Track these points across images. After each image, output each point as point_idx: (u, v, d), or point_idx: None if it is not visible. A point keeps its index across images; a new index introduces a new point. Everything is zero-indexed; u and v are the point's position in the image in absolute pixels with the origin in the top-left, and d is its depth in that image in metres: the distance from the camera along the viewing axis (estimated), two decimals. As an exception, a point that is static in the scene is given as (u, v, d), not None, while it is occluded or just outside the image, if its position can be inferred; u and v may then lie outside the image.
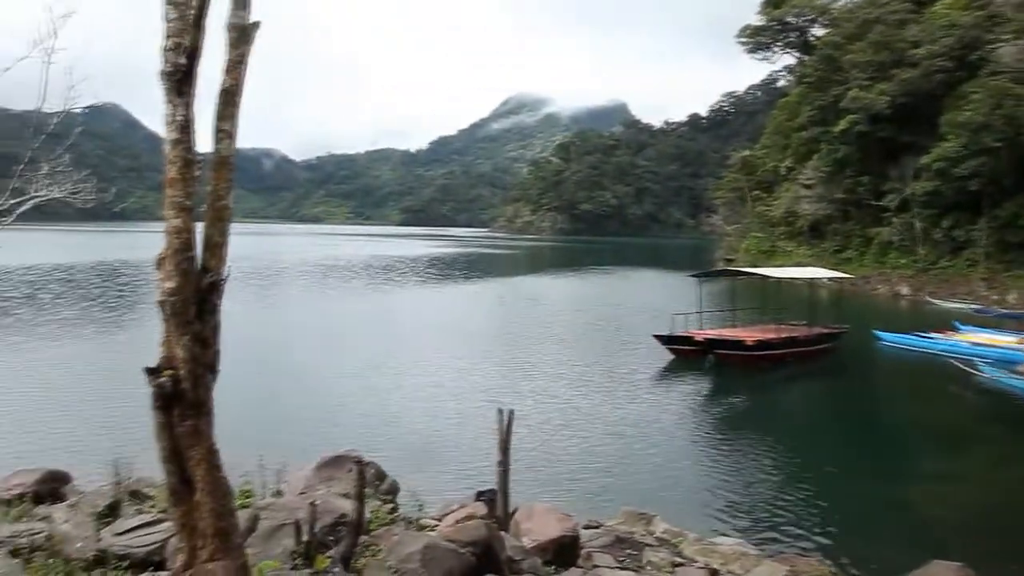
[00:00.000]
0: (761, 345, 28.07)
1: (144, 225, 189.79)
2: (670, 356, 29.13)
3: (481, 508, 10.18)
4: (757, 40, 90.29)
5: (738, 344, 28.06)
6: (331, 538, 7.62)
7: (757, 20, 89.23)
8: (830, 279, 45.27)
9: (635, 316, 41.70)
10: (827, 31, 76.94)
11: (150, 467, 12.67)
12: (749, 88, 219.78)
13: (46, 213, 11.18)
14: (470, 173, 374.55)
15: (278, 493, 11.65)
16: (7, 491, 12.12)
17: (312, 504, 7.39)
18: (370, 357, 27.93)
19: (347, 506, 8.79)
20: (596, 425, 19.59)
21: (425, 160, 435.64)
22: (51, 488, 12.52)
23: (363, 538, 7.58)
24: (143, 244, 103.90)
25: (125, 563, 7.05)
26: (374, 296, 51.73)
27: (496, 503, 10.47)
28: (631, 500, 13.51)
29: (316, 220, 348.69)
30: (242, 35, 5.30)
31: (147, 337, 30.46)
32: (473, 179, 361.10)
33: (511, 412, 10.72)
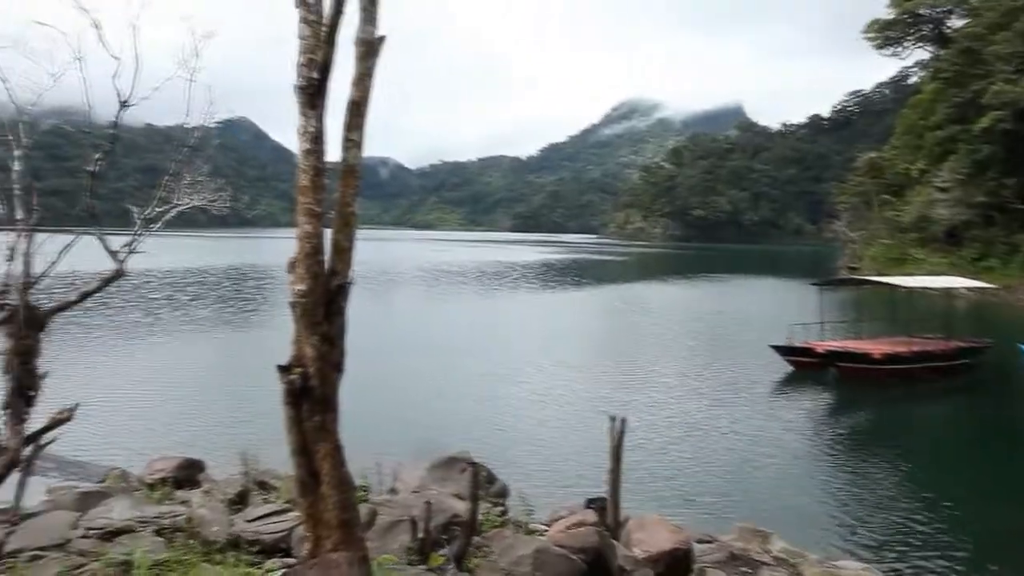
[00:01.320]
0: (890, 359, 26.36)
1: (270, 231, 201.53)
2: (788, 368, 27.89)
3: (591, 516, 10.12)
4: (886, 35, 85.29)
5: (864, 357, 26.48)
6: (444, 537, 7.79)
7: (887, 14, 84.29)
8: (969, 289, 41.84)
9: (750, 326, 40.23)
10: (966, 22, 71.59)
11: (275, 460, 13.46)
12: (877, 86, 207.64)
13: (182, 220, 12.06)
14: (580, 179, 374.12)
15: (392, 491, 12.05)
16: (150, 476, 13.19)
17: (427, 503, 7.59)
18: (481, 362, 28.38)
19: (459, 506, 8.97)
20: (709, 437, 19.03)
21: (535, 166, 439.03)
22: (188, 475, 13.51)
23: (475, 539, 7.71)
24: (269, 249, 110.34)
25: (255, 548, 7.49)
26: (486, 301, 52.53)
27: (606, 511, 10.38)
28: (747, 516, 13.02)
29: (429, 226, 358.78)
30: (369, 49, 5.55)
31: (275, 336, 32.33)
32: (583, 185, 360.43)
33: (623, 420, 10.60)
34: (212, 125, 12.40)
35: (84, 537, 8.38)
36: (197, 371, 25.86)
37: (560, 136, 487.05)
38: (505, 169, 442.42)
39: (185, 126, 11.98)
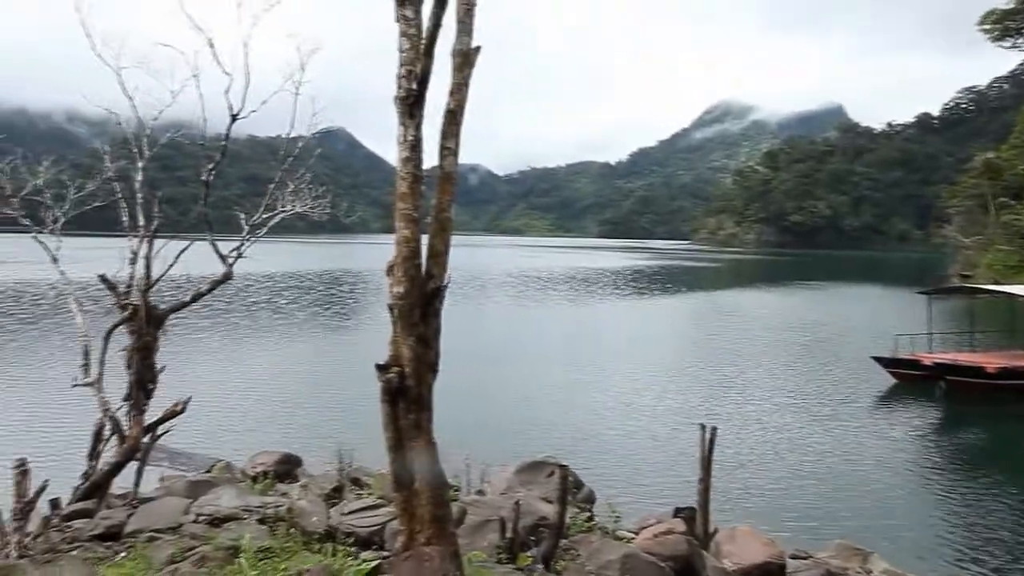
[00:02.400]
0: (1006, 373, 24.65)
1: (362, 237, 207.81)
2: (892, 381, 26.53)
3: (680, 525, 9.96)
4: (1005, 25, 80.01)
5: (977, 371, 24.87)
6: (532, 538, 7.88)
7: (1005, 2, 79.02)
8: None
9: (851, 336, 38.50)
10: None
11: (368, 458, 13.96)
12: (994, 81, 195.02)
13: (280, 226, 12.74)
14: (670, 184, 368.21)
15: (480, 492, 12.24)
16: (252, 468, 13.91)
17: (516, 503, 7.70)
18: (569, 367, 28.40)
19: (547, 509, 9.04)
20: (805, 450, 18.36)
21: (624, 172, 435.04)
22: (287, 469, 14.18)
23: (562, 542, 7.76)
24: (362, 255, 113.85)
25: (351, 540, 7.80)
26: (574, 308, 52.45)
27: (695, 521, 10.20)
28: (845, 533, 12.50)
29: (517, 232, 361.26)
30: (466, 60, 5.72)
31: (368, 339, 33.38)
32: (673, 190, 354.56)
33: (714, 429, 10.41)
34: (311, 135, 13.06)
35: (195, 522, 8.95)
36: (296, 371, 27.02)
37: (650, 141, 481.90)
38: (594, 175, 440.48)
39: (290, 137, 12.69)
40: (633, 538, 9.92)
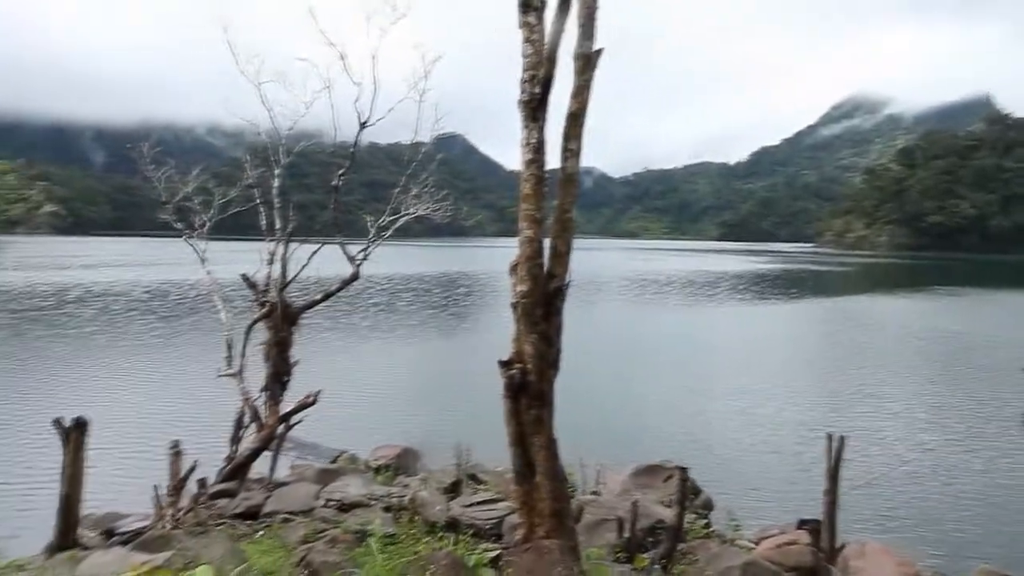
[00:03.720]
0: None
1: (478, 240, 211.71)
2: (1047, 396, 24.24)
3: (804, 537, 9.59)
4: None
5: None
6: (649, 539, 7.83)
7: None
8: None
9: (999, 347, 35.46)
10: None
11: (484, 456, 14.28)
12: None
13: (398, 229, 13.27)
14: (794, 185, 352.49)
15: (595, 492, 12.26)
16: (375, 460, 14.58)
17: (634, 503, 7.68)
18: (686, 372, 27.81)
19: (664, 513, 8.96)
20: (946, 467, 17.11)
21: (744, 172, 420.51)
22: (406, 463, 14.76)
23: (680, 545, 7.66)
24: (478, 257, 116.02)
25: (470, 531, 8.05)
26: (692, 312, 51.22)
27: (821, 534, 9.78)
28: (990, 558, 11.57)
29: (632, 235, 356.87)
30: (587, 63, 5.80)
31: (484, 338, 34.03)
32: (797, 191, 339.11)
33: (841, 439, 9.94)
34: (431, 141, 13.55)
35: (324, 507, 9.51)
36: (415, 369, 27.98)
37: (772, 139, 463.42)
38: (712, 176, 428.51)
39: (413, 143, 13.22)
40: (753, 548, 9.64)
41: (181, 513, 9.34)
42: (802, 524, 10.30)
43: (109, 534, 9.89)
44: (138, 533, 8.91)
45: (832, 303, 59.79)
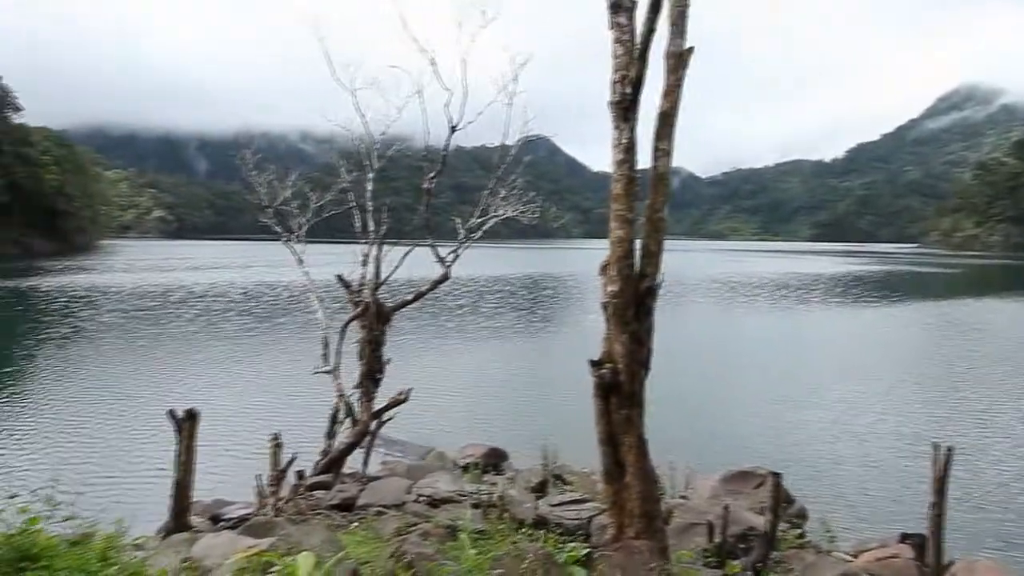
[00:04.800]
0: None
1: (563, 242, 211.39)
2: None
3: (907, 551, 9.16)
4: None
5: None
6: (741, 546, 7.67)
7: None
8: None
9: None
10: None
11: (570, 456, 14.29)
12: None
13: (484, 231, 13.45)
14: (895, 182, 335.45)
15: (684, 496, 12.08)
16: (462, 459, 14.82)
17: (725, 508, 7.55)
18: (779, 377, 26.93)
19: (755, 520, 8.75)
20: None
21: (840, 170, 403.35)
22: (493, 461, 14.93)
23: (773, 554, 7.47)
24: (562, 259, 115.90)
25: (558, 530, 8.09)
26: (785, 315, 49.54)
27: (925, 549, 9.30)
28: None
29: (720, 236, 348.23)
30: (679, 62, 5.76)
31: (569, 340, 34.00)
32: (899, 188, 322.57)
33: (949, 449, 9.41)
34: (519, 144, 13.68)
35: (416, 501, 9.77)
36: (502, 370, 28.23)
37: (871, 134, 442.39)
38: (805, 174, 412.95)
39: (503, 145, 13.41)
40: (851, 560, 9.28)
41: (282, 502, 9.80)
42: (905, 538, 9.83)
43: (215, 520, 10.48)
44: (242, 519, 9.41)
45: (937, 307, 56.56)
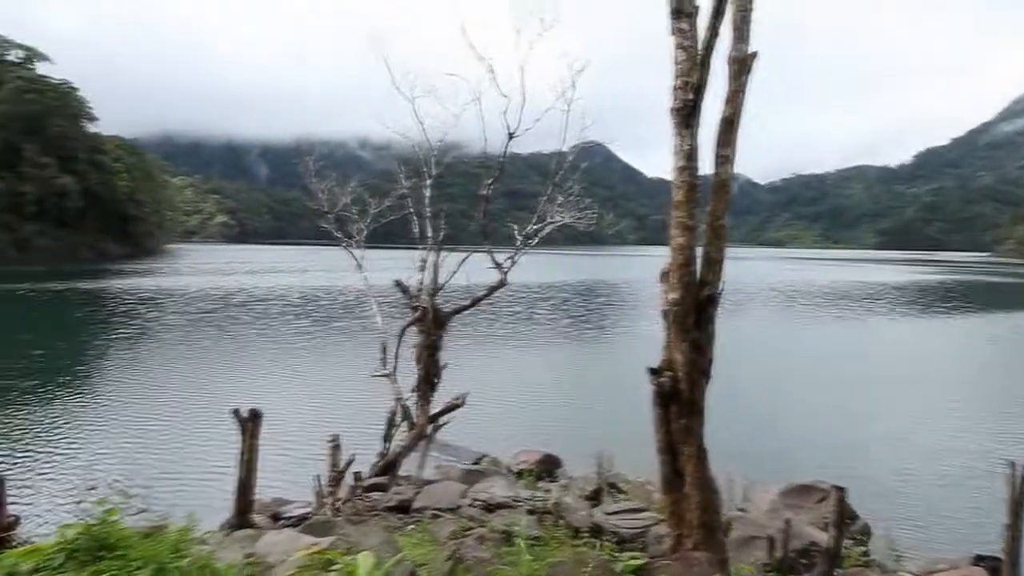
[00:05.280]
0: None
1: (618, 249, 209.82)
2: None
3: (979, 573, 8.79)
4: None
5: None
6: (802, 562, 7.48)
7: None
8: None
9: None
10: None
11: (624, 465, 14.17)
12: None
13: (539, 238, 13.45)
14: (967, 187, 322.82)
15: (741, 509, 11.83)
16: (516, 464, 14.84)
17: (787, 522, 7.38)
18: (840, 390, 26.16)
19: (817, 535, 8.53)
20: None
21: (907, 175, 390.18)
22: (547, 468, 14.91)
23: (837, 571, 7.25)
24: (617, 266, 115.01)
25: (614, 539, 8.03)
26: (848, 325, 48.07)
27: (1000, 573, 8.90)
28: None
29: (779, 244, 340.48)
30: (742, 67, 5.69)
31: (624, 348, 33.73)
32: (970, 194, 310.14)
33: (1026, 467, 9.00)
34: (576, 150, 13.67)
35: (471, 506, 9.83)
36: (556, 376, 28.16)
37: (940, 139, 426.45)
38: (870, 180, 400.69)
39: (557, 152, 13.43)
40: (919, 581, 8.96)
41: (340, 503, 9.99)
42: (979, 560, 9.43)
43: (276, 517, 10.74)
44: (302, 518, 9.63)
45: (1011, 319, 54.15)
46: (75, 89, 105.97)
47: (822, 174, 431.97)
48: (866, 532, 11.75)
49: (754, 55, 5.78)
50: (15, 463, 14.94)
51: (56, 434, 17.35)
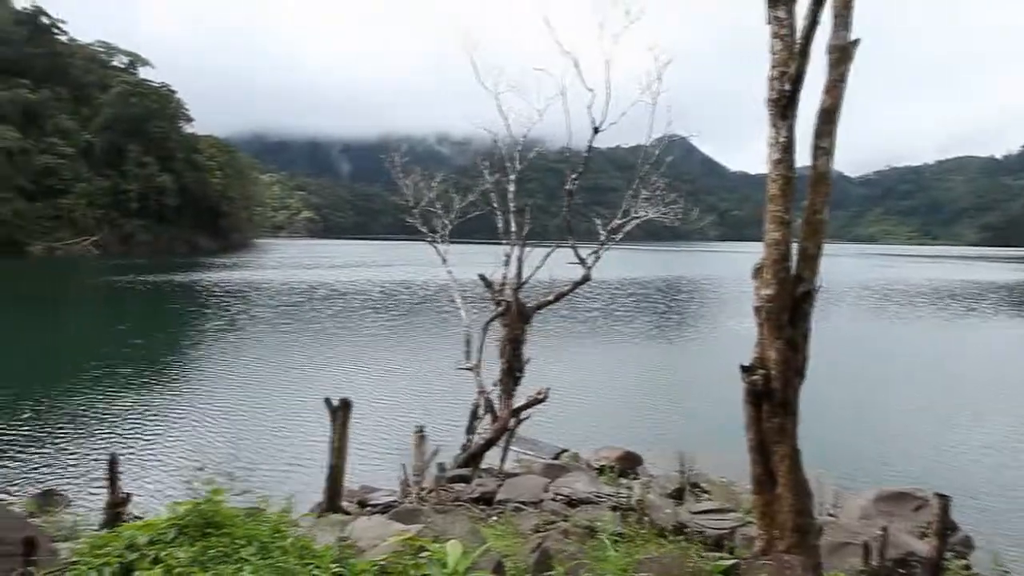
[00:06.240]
0: None
1: (699, 245, 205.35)
2: None
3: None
4: None
5: None
6: (900, 571, 7.18)
7: None
8: None
9: None
10: None
11: (707, 464, 13.90)
12: None
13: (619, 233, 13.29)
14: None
15: (832, 514, 11.44)
16: (596, 461, 14.79)
17: (884, 529, 7.09)
18: (938, 394, 24.85)
19: (916, 544, 8.17)
20: None
21: (1015, 167, 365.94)
22: (628, 466, 14.79)
23: (938, 583, 6.93)
24: (699, 262, 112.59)
25: (699, 539, 7.91)
26: (948, 326, 45.53)
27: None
28: None
29: (871, 240, 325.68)
30: (843, 55, 5.48)
31: (708, 346, 33.08)
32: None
33: None
34: (661, 144, 13.48)
35: (553, 499, 9.87)
36: (635, 373, 27.89)
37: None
38: (972, 171, 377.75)
39: (639, 146, 13.29)
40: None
41: (424, 492, 10.21)
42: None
43: (362, 504, 11.07)
44: (389, 506, 9.89)
45: None
46: (173, 92, 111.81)
47: (919, 166, 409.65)
48: (968, 545, 11.15)
49: (856, 43, 5.55)
50: (123, 444, 15.94)
51: (157, 419, 18.40)
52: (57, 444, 16.00)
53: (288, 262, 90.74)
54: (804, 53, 5.35)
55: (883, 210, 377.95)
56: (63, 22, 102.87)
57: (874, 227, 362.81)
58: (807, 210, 5.30)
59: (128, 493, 8.89)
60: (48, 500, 11.45)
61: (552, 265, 13.56)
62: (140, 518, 7.64)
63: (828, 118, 5.41)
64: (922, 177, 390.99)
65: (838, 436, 18.67)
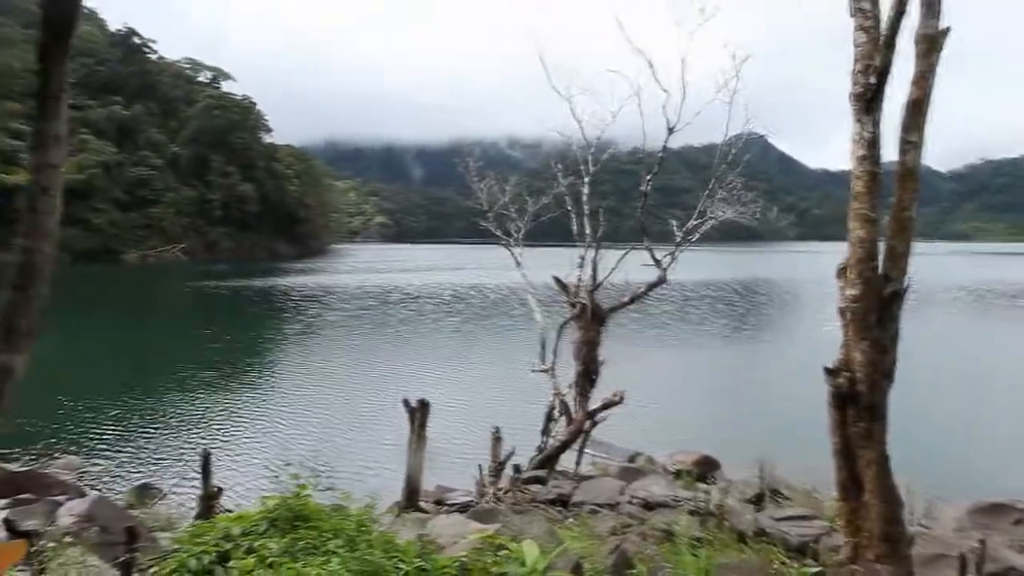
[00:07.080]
0: None
1: (776, 245, 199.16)
2: None
3: None
4: None
5: None
6: (1002, 585, 6.82)
7: None
8: None
9: None
10: None
11: (787, 470, 13.50)
12: None
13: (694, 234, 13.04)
14: None
15: (923, 525, 10.95)
16: (672, 464, 14.59)
17: (982, 542, 6.76)
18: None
19: (1016, 559, 7.76)
20: None
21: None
22: (705, 470, 14.53)
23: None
24: (777, 263, 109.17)
25: (781, 546, 7.71)
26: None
27: None
28: None
29: (963, 237, 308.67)
30: (932, 45, 5.28)
31: (787, 349, 32.10)
32: None
33: None
34: (739, 143, 13.19)
35: (630, 503, 9.80)
36: (711, 376, 27.37)
37: None
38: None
39: (716, 145, 13.06)
40: None
41: (501, 493, 10.31)
42: None
43: (439, 503, 11.27)
44: (465, 506, 10.04)
45: None
46: (254, 103, 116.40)
47: (1017, 159, 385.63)
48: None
49: (946, 31, 5.33)
50: (213, 441, 16.71)
51: (242, 418, 19.19)
52: (152, 441, 16.91)
53: (362, 267, 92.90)
54: (890, 45, 5.17)
55: (976, 206, 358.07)
56: (153, 41, 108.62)
57: (966, 224, 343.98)
58: (894, 207, 5.12)
59: (219, 487, 9.33)
60: (145, 493, 12.11)
61: (627, 267, 13.46)
62: (231, 511, 8.02)
63: (916, 111, 5.21)
64: (1020, 169, 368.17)
65: (931, 443, 17.81)
